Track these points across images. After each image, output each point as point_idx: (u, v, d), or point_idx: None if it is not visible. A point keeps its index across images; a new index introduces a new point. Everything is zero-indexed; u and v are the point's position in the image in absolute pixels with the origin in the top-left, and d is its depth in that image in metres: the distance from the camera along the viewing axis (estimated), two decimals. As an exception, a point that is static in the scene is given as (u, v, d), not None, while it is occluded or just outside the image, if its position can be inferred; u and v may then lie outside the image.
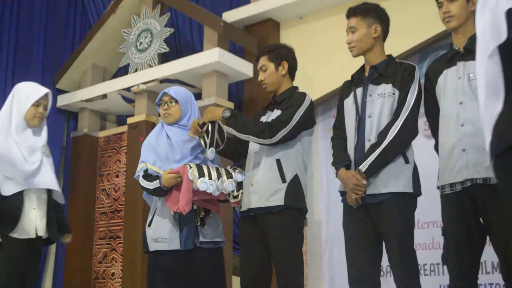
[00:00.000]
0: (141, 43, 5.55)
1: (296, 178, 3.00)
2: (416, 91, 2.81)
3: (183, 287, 3.14)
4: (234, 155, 3.33)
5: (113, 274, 5.40)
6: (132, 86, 5.41)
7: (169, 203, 3.14)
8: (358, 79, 2.96)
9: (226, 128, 3.09)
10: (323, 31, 5.01)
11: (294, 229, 2.99)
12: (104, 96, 5.66)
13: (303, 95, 3.09)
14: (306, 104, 3.04)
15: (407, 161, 2.78)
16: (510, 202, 1.57)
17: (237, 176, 3.14)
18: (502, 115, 1.47)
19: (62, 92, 5.99)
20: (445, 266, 2.76)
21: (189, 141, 3.28)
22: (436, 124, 2.80)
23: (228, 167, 3.24)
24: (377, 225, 2.77)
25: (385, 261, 2.80)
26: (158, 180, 3.12)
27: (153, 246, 3.18)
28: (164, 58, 5.49)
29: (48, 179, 3.55)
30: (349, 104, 2.94)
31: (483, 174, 2.54)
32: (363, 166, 2.74)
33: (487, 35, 1.48)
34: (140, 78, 5.37)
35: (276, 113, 3.08)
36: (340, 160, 2.87)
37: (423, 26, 4.31)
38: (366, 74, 2.94)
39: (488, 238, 2.61)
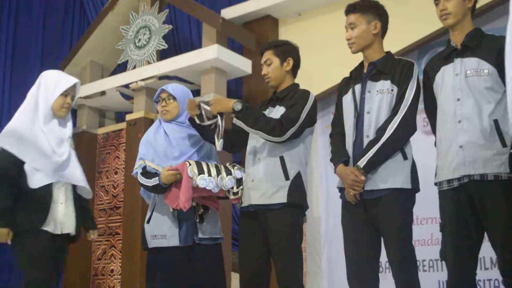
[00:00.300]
0: (139, 40, 5.55)
1: (298, 176, 3.00)
2: (414, 88, 2.81)
3: (182, 284, 3.15)
4: (228, 146, 3.28)
5: (112, 271, 5.41)
6: (131, 83, 5.41)
7: (168, 200, 3.14)
8: (357, 76, 2.96)
9: (234, 121, 3.05)
10: (321, 28, 5.01)
11: (294, 226, 2.99)
12: (103, 93, 5.66)
13: (307, 92, 3.09)
14: (310, 102, 3.04)
15: (405, 157, 2.78)
16: None
17: (236, 173, 3.15)
18: None
19: (61, 89, 5.97)
20: (443, 262, 2.76)
21: (187, 138, 3.29)
22: (435, 120, 2.80)
23: (227, 164, 3.24)
24: (376, 221, 2.77)
25: (383, 257, 2.81)
26: (157, 177, 3.13)
27: (152, 243, 3.18)
28: (162, 55, 5.49)
29: (78, 173, 3.41)
30: (347, 100, 2.94)
31: (480, 170, 2.55)
32: (362, 162, 2.74)
33: None
34: (138, 75, 5.37)
35: (279, 109, 3.08)
36: (339, 156, 2.87)
37: (421, 22, 4.32)
38: (365, 70, 2.94)
39: (486, 234, 2.62)
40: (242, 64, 5.08)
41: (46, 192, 3.24)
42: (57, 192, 3.30)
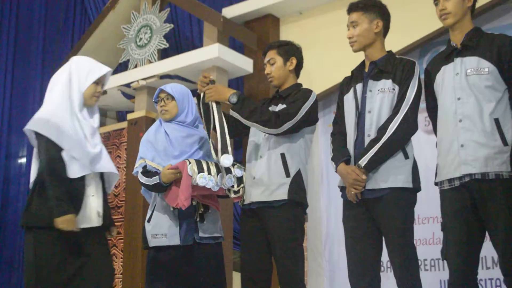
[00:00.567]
0: (140, 39, 5.55)
1: (299, 173, 3.01)
2: (416, 87, 2.81)
3: (182, 283, 3.15)
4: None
5: (113, 270, 5.40)
6: (132, 82, 5.41)
7: (168, 199, 3.15)
8: (358, 75, 2.96)
9: (231, 112, 3.04)
10: (323, 26, 5.01)
11: (296, 223, 2.99)
12: (104, 92, 5.64)
13: (310, 91, 3.10)
14: (312, 100, 3.04)
15: (406, 156, 2.78)
16: None
17: (236, 171, 3.15)
18: None
19: (62, 88, 5.98)
20: (445, 262, 2.76)
21: (188, 137, 3.29)
22: (437, 121, 2.80)
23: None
24: (377, 220, 2.77)
25: (385, 257, 2.80)
26: (157, 176, 3.13)
27: (152, 242, 3.18)
28: (163, 54, 5.49)
29: (110, 163, 3.19)
30: (349, 99, 2.94)
31: (481, 169, 2.54)
32: (363, 161, 2.74)
33: None
34: (140, 74, 5.37)
35: (281, 107, 3.08)
36: (340, 155, 2.87)
37: (423, 22, 4.31)
38: (366, 69, 2.94)
39: (487, 233, 2.61)
40: (243, 63, 5.08)
41: (79, 184, 3.00)
42: (89, 184, 3.07)
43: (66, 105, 3.05)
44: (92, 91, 3.13)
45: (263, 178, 3.00)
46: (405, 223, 2.74)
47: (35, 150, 3.10)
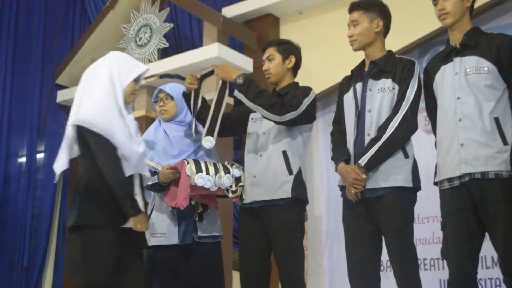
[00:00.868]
0: (140, 39, 5.55)
1: (300, 171, 3.02)
2: (415, 86, 2.81)
3: (181, 282, 3.16)
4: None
5: (113, 270, 5.39)
6: (132, 82, 5.40)
7: (167, 199, 3.15)
8: (358, 74, 2.96)
9: (235, 93, 3.02)
10: (323, 26, 5.00)
11: (297, 223, 3.00)
12: (104, 91, 5.65)
13: (309, 88, 3.10)
14: (311, 96, 3.05)
15: (406, 156, 2.78)
16: None
17: (235, 171, 3.15)
18: None
19: (62, 87, 5.98)
20: (444, 261, 2.76)
21: (187, 136, 3.30)
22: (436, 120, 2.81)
23: (226, 163, 3.25)
24: (377, 219, 2.77)
25: (385, 256, 2.80)
26: (156, 176, 3.13)
27: (151, 241, 3.19)
28: (163, 54, 5.49)
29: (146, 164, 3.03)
30: (349, 99, 2.94)
31: (481, 169, 2.54)
32: (363, 161, 2.74)
33: None
34: (139, 74, 5.36)
35: None
36: (340, 154, 2.87)
37: (422, 21, 4.31)
38: (366, 69, 2.94)
39: (487, 232, 2.61)
40: (243, 63, 5.08)
41: (129, 184, 2.86)
42: (135, 183, 2.91)
43: (112, 101, 2.89)
44: (132, 89, 3.01)
45: (265, 176, 3.00)
46: (405, 223, 2.74)
47: (65, 143, 2.90)
